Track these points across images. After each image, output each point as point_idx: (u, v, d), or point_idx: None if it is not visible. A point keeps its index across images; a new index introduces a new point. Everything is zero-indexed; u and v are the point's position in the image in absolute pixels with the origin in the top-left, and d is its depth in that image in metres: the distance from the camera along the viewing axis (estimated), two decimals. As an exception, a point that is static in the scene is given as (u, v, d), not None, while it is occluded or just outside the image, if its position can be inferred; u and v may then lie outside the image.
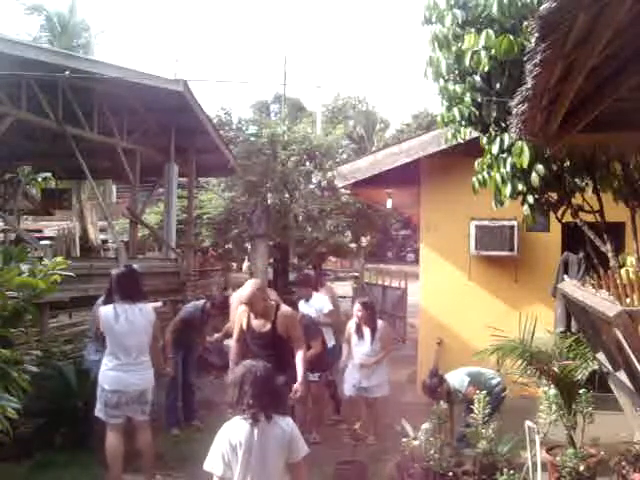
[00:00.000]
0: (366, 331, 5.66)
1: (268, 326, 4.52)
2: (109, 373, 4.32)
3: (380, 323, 5.82)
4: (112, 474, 4.29)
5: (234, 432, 2.73)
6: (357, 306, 5.75)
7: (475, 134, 4.73)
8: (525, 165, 4.16)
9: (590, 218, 4.76)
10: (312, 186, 12.93)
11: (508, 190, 4.46)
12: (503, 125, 4.29)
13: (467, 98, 4.39)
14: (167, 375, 5.51)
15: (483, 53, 4.11)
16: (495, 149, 4.46)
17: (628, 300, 3.45)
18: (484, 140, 4.61)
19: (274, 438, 2.75)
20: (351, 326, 5.77)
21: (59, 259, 2.95)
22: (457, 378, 5.05)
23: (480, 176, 4.69)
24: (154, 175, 10.21)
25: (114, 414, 4.31)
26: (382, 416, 5.74)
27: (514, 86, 3.27)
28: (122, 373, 4.31)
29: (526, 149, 4.08)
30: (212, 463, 2.73)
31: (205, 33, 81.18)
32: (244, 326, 4.62)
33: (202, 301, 6.26)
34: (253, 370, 2.84)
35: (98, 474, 4.40)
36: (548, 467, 4.11)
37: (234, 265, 15.90)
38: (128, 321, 4.39)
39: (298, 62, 57.36)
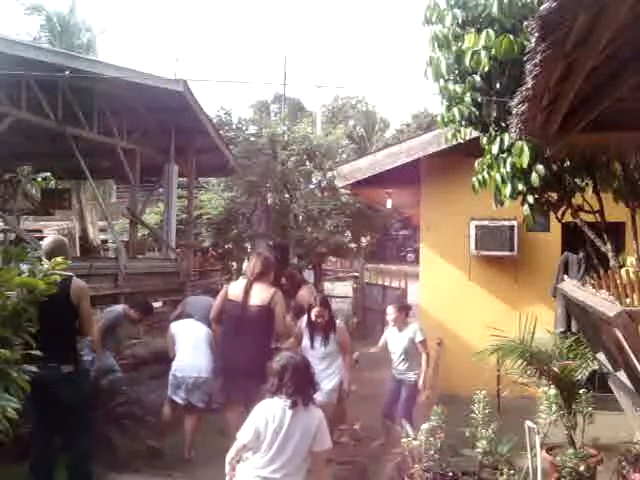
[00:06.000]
0: (320, 332, 5.05)
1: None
2: None
3: (338, 323, 5.23)
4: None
5: (270, 408, 2.99)
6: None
7: (475, 134, 4.72)
8: (525, 165, 4.16)
9: (590, 218, 4.76)
10: (312, 186, 12.93)
11: (508, 190, 4.46)
12: (503, 125, 4.29)
13: (467, 98, 4.39)
14: None
15: (483, 53, 4.11)
16: (495, 149, 4.46)
17: (628, 300, 3.46)
18: (484, 140, 4.61)
19: (304, 424, 2.99)
20: (302, 324, 5.18)
21: (59, 259, 2.94)
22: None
23: (480, 176, 4.69)
24: (154, 175, 10.21)
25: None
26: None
27: (514, 86, 3.27)
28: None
29: (526, 149, 4.08)
30: (243, 432, 2.98)
31: (205, 32, 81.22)
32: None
33: (121, 305, 6.24)
34: (293, 361, 3.10)
35: (97, 474, 4.39)
36: (548, 467, 4.11)
37: (234, 265, 15.88)
38: None
39: (298, 62, 57.39)
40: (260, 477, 2.93)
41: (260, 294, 4.87)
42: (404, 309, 5.74)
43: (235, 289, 5.00)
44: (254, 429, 2.95)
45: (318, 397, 4.80)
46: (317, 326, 5.03)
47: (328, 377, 4.99)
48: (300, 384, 3.03)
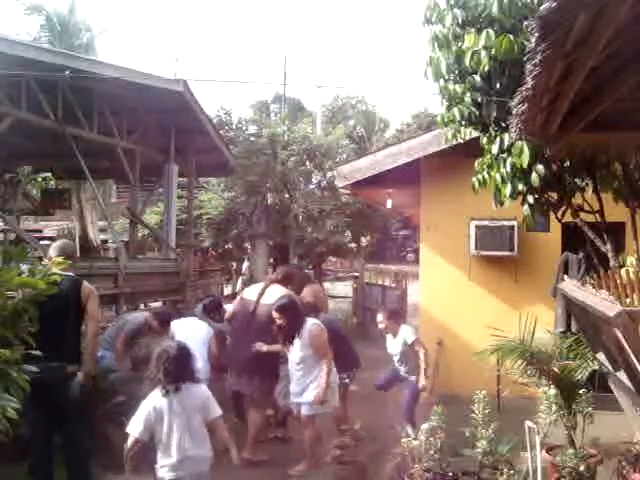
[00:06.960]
0: (286, 336, 4.85)
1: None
2: None
3: (308, 325, 4.84)
4: None
5: (154, 400, 3.28)
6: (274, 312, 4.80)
7: (475, 134, 4.72)
8: (525, 165, 4.16)
9: (590, 218, 4.76)
10: (312, 186, 12.93)
11: (508, 190, 4.46)
12: (503, 125, 4.29)
13: (467, 98, 4.39)
14: None
15: (483, 53, 4.11)
16: (495, 149, 4.45)
17: (628, 300, 3.46)
18: (484, 140, 4.60)
19: (189, 403, 3.30)
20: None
21: (59, 259, 2.95)
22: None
23: (480, 176, 4.69)
24: (154, 175, 10.20)
25: None
26: (309, 439, 4.90)
27: (514, 86, 3.27)
28: None
29: (526, 149, 4.08)
30: (133, 426, 3.25)
31: (205, 32, 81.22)
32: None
33: (143, 314, 6.14)
34: (166, 350, 3.36)
35: (97, 474, 4.39)
36: (548, 467, 4.11)
37: (234, 265, 15.87)
38: None
39: (298, 62, 57.41)
40: (172, 465, 3.23)
41: (275, 294, 4.97)
42: (394, 315, 5.71)
43: (251, 291, 5.21)
44: (143, 422, 3.22)
45: (303, 411, 4.85)
46: (281, 331, 4.85)
47: (308, 387, 4.80)
48: (174, 371, 3.27)
